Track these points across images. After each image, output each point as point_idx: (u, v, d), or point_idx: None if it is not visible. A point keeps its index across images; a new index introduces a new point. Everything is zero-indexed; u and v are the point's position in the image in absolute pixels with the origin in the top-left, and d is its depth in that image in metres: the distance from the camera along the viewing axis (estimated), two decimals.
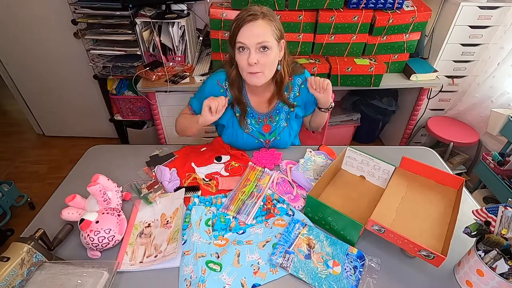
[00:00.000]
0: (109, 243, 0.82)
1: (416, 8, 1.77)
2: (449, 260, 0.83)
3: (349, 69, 1.77)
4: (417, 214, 0.90)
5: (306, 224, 0.90)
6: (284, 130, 1.20)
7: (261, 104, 1.16)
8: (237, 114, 1.15)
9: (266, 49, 0.96)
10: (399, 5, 1.77)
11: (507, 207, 0.71)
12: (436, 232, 0.84)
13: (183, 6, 1.85)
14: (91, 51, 1.90)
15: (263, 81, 1.01)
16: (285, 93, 1.13)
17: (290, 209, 0.96)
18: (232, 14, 1.69)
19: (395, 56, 1.92)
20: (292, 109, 1.17)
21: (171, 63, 1.89)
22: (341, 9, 1.73)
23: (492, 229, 0.73)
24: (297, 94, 1.16)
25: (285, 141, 1.22)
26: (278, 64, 1.04)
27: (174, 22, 1.75)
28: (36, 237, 0.76)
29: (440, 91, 2.08)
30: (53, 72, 2.29)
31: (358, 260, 0.82)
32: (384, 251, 0.85)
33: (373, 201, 0.97)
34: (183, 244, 0.85)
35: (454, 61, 2.00)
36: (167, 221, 0.91)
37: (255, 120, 1.17)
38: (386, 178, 1.03)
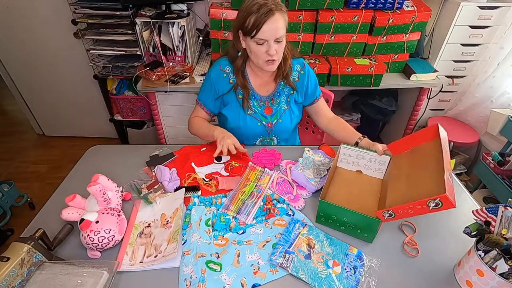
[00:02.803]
0: (109, 243, 0.82)
1: (416, 8, 1.77)
2: (449, 260, 0.83)
3: (349, 69, 1.77)
4: (420, 180, 0.86)
5: (306, 224, 0.90)
6: (285, 113, 1.23)
7: (262, 87, 1.20)
8: (240, 96, 1.19)
9: (281, 39, 1.03)
10: (399, 5, 1.77)
11: (507, 207, 0.72)
12: (431, 184, 0.81)
13: (183, 6, 1.85)
14: (91, 51, 1.90)
15: (276, 66, 1.11)
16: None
17: (290, 209, 0.96)
18: (232, 14, 1.69)
19: (395, 56, 1.92)
20: (292, 92, 1.21)
21: (171, 63, 1.89)
22: (341, 9, 1.73)
23: (492, 229, 0.73)
24: (296, 79, 1.21)
25: (287, 125, 1.25)
26: None
27: (174, 22, 1.75)
28: (36, 237, 0.76)
29: (440, 91, 2.08)
30: (53, 72, 2.29)
31: (358, 260, 0.82)
32: (384, 251, 0.86)
33: (376, 193, 1.00)
34: (183, 244, 0.85)
35: (454, 61, 2.00)
36: (167, 221, 0.91)
37: (257, 102, 1.20)
38: (383, 169, 1.05)
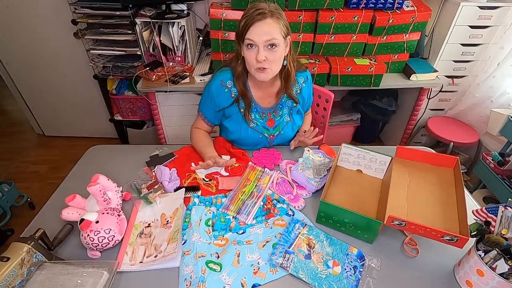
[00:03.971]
0: (109, 243, 0.82)
1: (416, 8, 1.77)
2: (449, 260, 0.83)
3: (349, 69, 1.77)
4: (426, 200, 0.92)
5: (306, 224, 0.90)
6: (288, 124, 1.22)
7: (264, 99, 1.18)
8: (242, 110, 1.16)
9: (273, 46, 0.99)
10: (399, 5, 1.77)
11: (507, 207, 0.72)
12: (448, 213, 0.86)
13: (183, 6, 1.85)
14: (91, 51, 1.90)
15: (270, 77, 1.05)
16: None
17: (290, 209, 0.96)
18: (232, 14, 1.69)
19: (395, 56, 1.92)
20: (295, 105, 1.20)
21: (171, 63, 1.89)
22: (341, 9, 1.73)
23: (492, 229, 0.73)
24: (299, 91, 1.20)
25: (288, 135, 1.24)
26: (284, 59, 1.06)
27: (174, 22, 1.75)
28: (36, 237, 0.76)
29: (440, 91, 2.08)
30: (53, 72, 2.28)
31: (358, 260, 0.82)
32: (384, 251, 0.86)
33: (376, 193, 1.01)
34: (183, 244, 0.85)
35: (454, 61, 2.00)
36: (167, 221, 0.91)
37: (259, 114, 1.18)
38: (383, 169, 1.06)
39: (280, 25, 0.98)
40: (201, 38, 2.04)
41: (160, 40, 1.81)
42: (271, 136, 1.22)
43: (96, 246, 0.80)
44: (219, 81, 1.14)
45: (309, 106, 1.32)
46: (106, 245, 0.81)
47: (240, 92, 1.13)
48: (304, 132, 1.18)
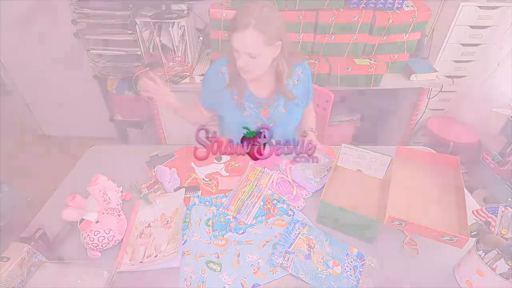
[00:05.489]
0: (109, 243, 0.82)
1: (416, 8, 1.77)
2: (449, 260, 0.83)
3: (349, 69, 1.77)
4: (426, 200, 0.92)
5: (306, 224, 0.90)
6: (284, 116, 1.20)
7: (260, 89, 1.17)
8: (235, 96, 1.16)
9: (254, 55, 0.98)
10: (399, 5, 1.76)
11: (507, 207, 0.72)
12: (448, 213, 0.87)
13: (183, 6, 1.85)
14: (91, 51, 1.90)
15: (253, 77, 1.07)
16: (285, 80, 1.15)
17: (290, 209, 0.96)
18: (232, 14, 1.69)
19: (395, 56, 1.92)
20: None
21: (171, 63, 1.89)
22: (341, 9, 1.72)
23: (492, 229, 0.73)
24: (296, 83, 1.18)
25: (284, 128, 1.22)
26: (274, 60, 1.06)
27: (174, 22, 1.75)
28: (36, 237, 0.76)
29: (440, 91, 2.07)
30: (53, 72, 2.28)
31: (358, 260, 0.82)
32: (384, 251, 0.86)
33: (376, 193, 1.01)
34: (183, 244, 0.85)
35: (454, 61, 2.00)
36: (167, 221, 0.91)
37: (254, 104, 1.17)
38: (383, 169, 1.06)
39: (263, 35, 0.94)
40: (201, 38, 2.04)
41: (160, 40, 1.81)
42: (266, 127, 1.20)
43: (96, 246, 0.80)
44: (215, 67, 1.16)
45: (310, 98, 1.28)
46: (106, 245, 0.81)
47: (231, 80, 1.12)
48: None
